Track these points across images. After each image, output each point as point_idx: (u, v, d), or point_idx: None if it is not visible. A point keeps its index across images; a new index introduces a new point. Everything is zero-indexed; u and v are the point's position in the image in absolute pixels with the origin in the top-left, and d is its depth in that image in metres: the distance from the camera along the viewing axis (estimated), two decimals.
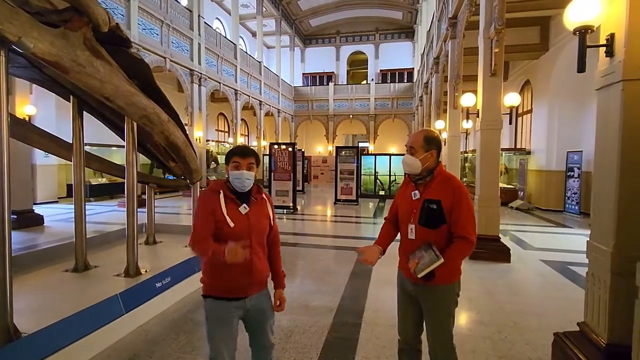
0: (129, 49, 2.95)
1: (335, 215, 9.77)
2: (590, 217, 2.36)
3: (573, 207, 9.46)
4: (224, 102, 17.55)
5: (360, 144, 25.11)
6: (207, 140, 16.25)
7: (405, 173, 1.83)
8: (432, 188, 1.72)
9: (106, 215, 9.00)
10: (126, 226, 3.53)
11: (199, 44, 13.37)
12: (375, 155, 14.23)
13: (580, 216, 9.04)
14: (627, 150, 1.98)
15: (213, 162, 16.52)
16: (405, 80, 25.52)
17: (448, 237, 1.70)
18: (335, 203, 11.77)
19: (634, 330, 1.81)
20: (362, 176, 13.35)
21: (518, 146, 13.03)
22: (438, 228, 1.68)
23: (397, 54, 26.86)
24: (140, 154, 4.25)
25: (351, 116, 24.50)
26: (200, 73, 13.45)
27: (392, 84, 24.99)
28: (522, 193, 11.29)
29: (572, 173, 9.53)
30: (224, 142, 20.11)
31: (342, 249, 5.93)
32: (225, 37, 16.86)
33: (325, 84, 26.50)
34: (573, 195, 9.49)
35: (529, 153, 11.55)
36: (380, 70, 27.20)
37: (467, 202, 1.68)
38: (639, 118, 1.91)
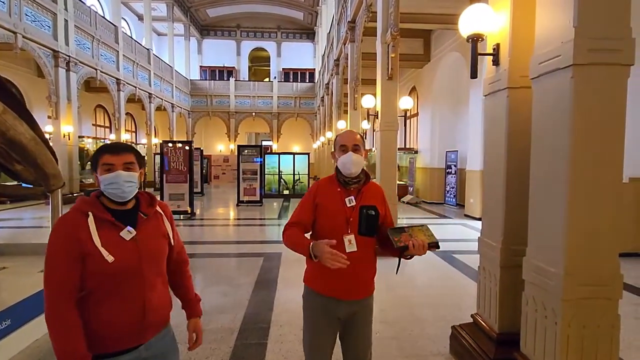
0: None
1: (238, 219, 9.23)
2: (482, 216, 2.53)
3: (451, 199, 10.83)
4: (104, 92, 15.07)
5: (264, 143, 24.70)
6: (81, 137, 13.75)
7: (314, 176, 1.61)
8: (364, 192, 1.59)
9: None
10: None
11: (66, 20, 11.12)
12: (279, 154, 14.01)
13: (457, 207, 10.40)
14: (512, 152, 2.14)
15: (90, 163, 14.04)
16: (307, 80, 26.01)
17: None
18: (237, 205, 11.18)
19: (522, 320, 1.94)
20: (265, 176, 13.02)
21: (407, 146, 14.41)
22: (375, 236, 1.54)
23: (299, 54, 27.18)
24: None
25: (254, 114, 23.85)
26: (69, 56, 11.21)
27: (294, 83, 25.19)
28: (411, 188, 12.51)
29: (450, 170, 10.90)
30: (105, 139, 17.35)
31: (246, 255, 5.52)
32: (103, 17, 14.48)
33: (225, 79, 25.23)
34: (451, 189, 10.86)
35: (416, 152, 12.86)
36: (283, 69, 27.17)
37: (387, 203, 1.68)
38: (522, 122, 2.07)
